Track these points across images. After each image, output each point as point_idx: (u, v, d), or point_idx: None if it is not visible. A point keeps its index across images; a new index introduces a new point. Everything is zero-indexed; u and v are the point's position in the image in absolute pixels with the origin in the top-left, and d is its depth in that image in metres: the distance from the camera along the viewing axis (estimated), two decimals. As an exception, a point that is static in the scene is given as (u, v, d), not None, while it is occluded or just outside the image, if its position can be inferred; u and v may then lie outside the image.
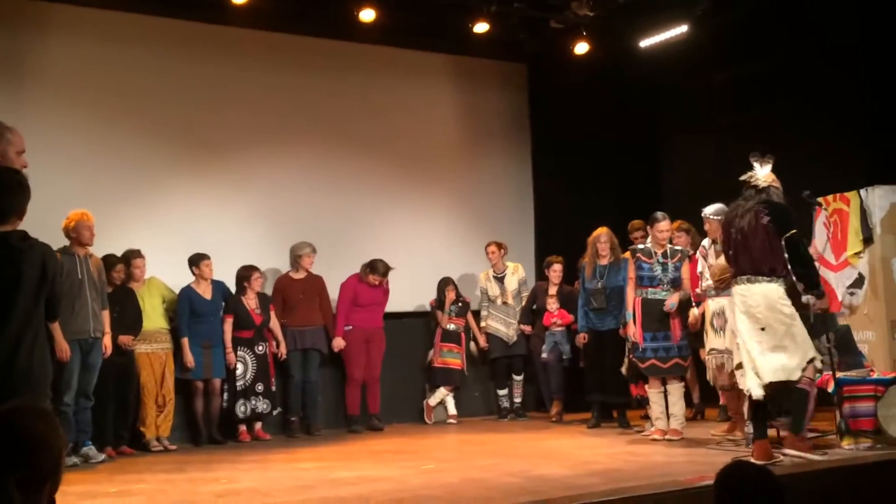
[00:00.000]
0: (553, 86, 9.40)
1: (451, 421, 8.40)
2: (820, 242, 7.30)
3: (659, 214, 6.89)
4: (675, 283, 6.79)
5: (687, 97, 9.44)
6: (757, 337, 5.39)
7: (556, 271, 8.46)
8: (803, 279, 5.37)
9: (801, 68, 8.30)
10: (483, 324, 8.67)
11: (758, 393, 5.31)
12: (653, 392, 6.70)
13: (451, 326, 8.48)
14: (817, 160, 7.82)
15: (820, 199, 7.25)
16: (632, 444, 6.51)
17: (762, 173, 5.63)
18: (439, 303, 8.47)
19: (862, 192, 6.76)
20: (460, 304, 8.54)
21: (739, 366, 5.57)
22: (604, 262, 7.63)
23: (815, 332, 5.75)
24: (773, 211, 5.44)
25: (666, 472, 5.08)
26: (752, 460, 5.17)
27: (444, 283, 8.48)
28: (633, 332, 6.71)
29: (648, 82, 9.44)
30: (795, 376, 5.32)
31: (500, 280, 8.68)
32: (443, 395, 8.44)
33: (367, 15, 8.13)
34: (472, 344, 8.72)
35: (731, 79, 9.01)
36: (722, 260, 6.35)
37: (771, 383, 5.32)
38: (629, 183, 9.33)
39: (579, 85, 9.17)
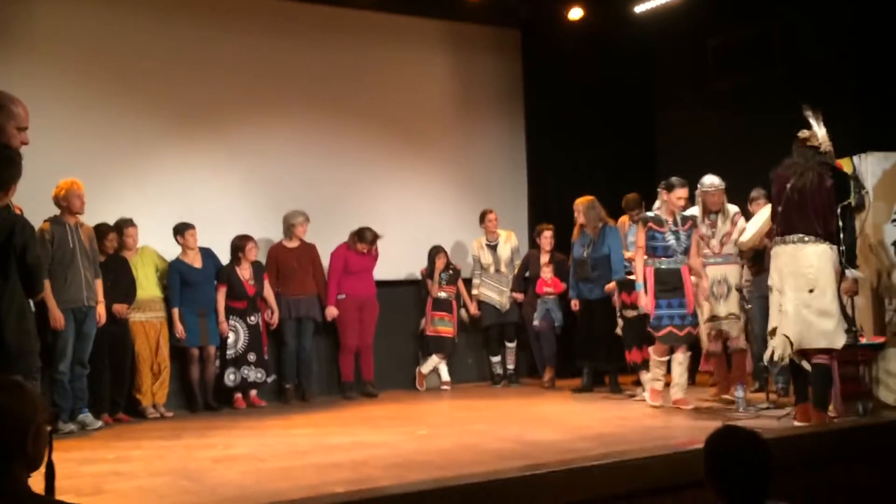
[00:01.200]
0: (547, 52, 9.33)
1: (445, 388, 8.46)
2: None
3: (676, 180, 6.51)
4: (688, 252, 6.51)
5: (682, 63, 9.42)
6: (806, 299, 5.26)
7: (546, 238, 8.47)
8: (849, 252, 5.30)
9: (794, 33, 8.29)
10: (475, 292, 8.68)
11: (793, 358, 5.28)
12: (656, 358, 6.52)
13: (442, 295, 8.48)
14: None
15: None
16: (623, 409, 6.58)
17: (821, 133, 5.46)
18: (429, 271, 8.49)
19: (855, 158, 6.76)
20: (451, 271, 8.54)
21: (774, 331, 5.38)
22: (588, 230, 7.62)
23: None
24: (837, 175, 5.36)
25: (657, 437, 5.16)
26: (797, 423, 5.27)
27: (435, 251, 8.49)
28: (645, 302, 6.43)
29: (643, 48, 9.40)
30: (839, 344, 5.25)
31: (492, 248, 8.68)
32: (435, 362, 8.49)
33: None
34: (463, 312, 8.74)
35: (724, 44, 8.98)
36: (749, 225, 6.29)
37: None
38: (623, 150, 9.35)
39: (573, 51, 9.14)
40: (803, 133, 5.55)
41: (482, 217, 8.66)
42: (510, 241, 8.73)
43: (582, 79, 9.22)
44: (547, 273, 8.36)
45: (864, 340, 5.87)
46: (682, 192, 6.47)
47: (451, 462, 4.63)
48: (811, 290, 5.25)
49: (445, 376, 8.55)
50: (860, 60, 7.80)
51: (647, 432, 5.37)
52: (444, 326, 8.47)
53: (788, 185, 5.39)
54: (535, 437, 5.37)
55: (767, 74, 8.52)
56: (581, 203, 7.72)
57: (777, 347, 5.34)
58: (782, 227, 5.42)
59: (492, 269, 8.65)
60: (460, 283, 8.68)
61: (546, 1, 8.99)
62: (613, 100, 9.31)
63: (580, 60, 9.18)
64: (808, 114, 5.53)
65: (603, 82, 9.26)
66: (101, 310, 6.60)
